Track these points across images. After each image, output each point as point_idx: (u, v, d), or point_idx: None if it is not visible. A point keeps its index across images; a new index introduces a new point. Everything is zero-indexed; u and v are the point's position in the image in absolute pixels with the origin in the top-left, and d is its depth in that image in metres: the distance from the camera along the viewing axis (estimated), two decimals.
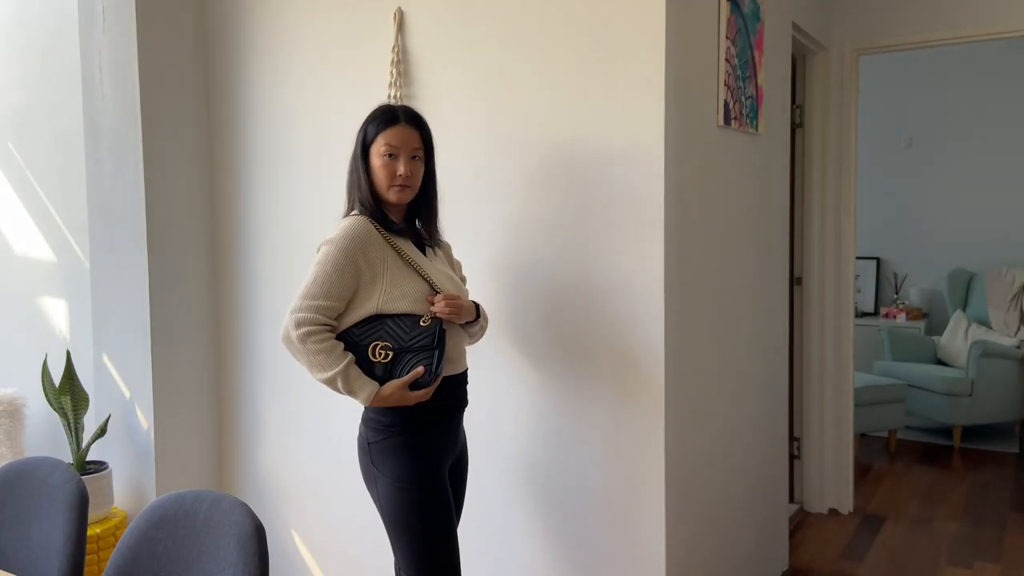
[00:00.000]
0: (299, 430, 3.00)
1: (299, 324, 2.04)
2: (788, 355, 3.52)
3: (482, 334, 2.30)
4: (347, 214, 2.18)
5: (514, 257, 2.54)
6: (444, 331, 2.09)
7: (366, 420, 2.15)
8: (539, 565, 2.57)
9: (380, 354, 2.06)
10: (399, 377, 2.06)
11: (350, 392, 2.06)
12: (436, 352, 2.06)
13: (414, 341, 2.06)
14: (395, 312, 2.06)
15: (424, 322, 2.07)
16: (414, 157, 2.13)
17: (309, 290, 2.06)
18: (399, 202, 2.14)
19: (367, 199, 2.13)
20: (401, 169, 2.10)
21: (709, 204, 2.63)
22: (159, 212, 2.94)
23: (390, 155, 2.09)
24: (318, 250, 2.12)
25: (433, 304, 2.08)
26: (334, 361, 2.03)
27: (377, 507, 2.16)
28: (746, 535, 3.03)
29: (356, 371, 2.05)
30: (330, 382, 2.05)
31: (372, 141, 2.12)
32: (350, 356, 2.05)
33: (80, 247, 3.20)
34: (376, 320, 2.07)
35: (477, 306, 2.23)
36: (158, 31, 2.93)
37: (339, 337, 2.08)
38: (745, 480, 3.00)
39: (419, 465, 2.10)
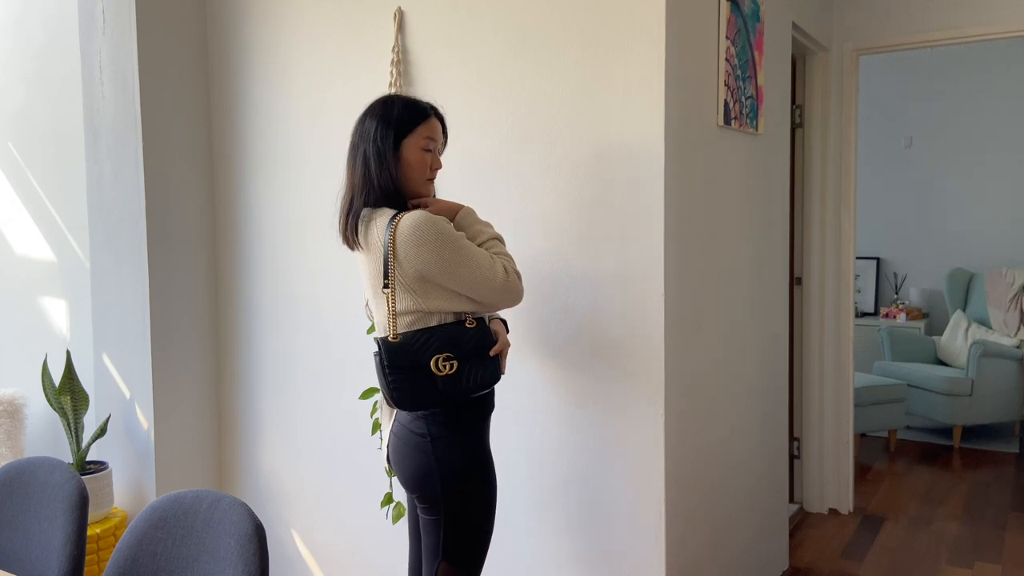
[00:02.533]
0: (299, 430, 3.00)
1: (513, 272, 2.04)
2: (788, 355, 3.52)
3: None
4: (350, 205, 2.05)
5: (513, 256, 2.53)
6: (488, 327, 2.06)
7: (427, 416, 2.02)
8: (537, 564, 2.57)
9: (444, 367, 1.96)
10: (465, 386, 1.99)
11: (495, 236, 2.11)
12: (487, 353, 2.03)
13: (468, 344, 2.00)
14: (441, 319, 2.00)
15: (469, 324, 2.01)
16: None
17: (474, 264, 1.97)
18: (430, 195, 2.11)
19: (397, 192, 2.02)
20: (438, 162, 2.09)
21: (709, 204, 2.63)
22: (159, 212, 2.95)
23: (428, 148, 2.05)
24: (402, 254, 1.94)
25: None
26: (491, 259, 2.02)
27: (428, 502, 2.04)
28: (746, 535, 3.03)
29: (478, 245, 2.04)
30: (496, 267, 2.02)
31: (409, 133, 2.02)
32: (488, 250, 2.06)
33: (80, 247, 3.20)
34: (425, 331, 1.98)
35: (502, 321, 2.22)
36: (158, 31, 2.93)
37: (402, 347, 1.96)
38: (745, 480, 3.00)
39: (484, 455, 2.09)
